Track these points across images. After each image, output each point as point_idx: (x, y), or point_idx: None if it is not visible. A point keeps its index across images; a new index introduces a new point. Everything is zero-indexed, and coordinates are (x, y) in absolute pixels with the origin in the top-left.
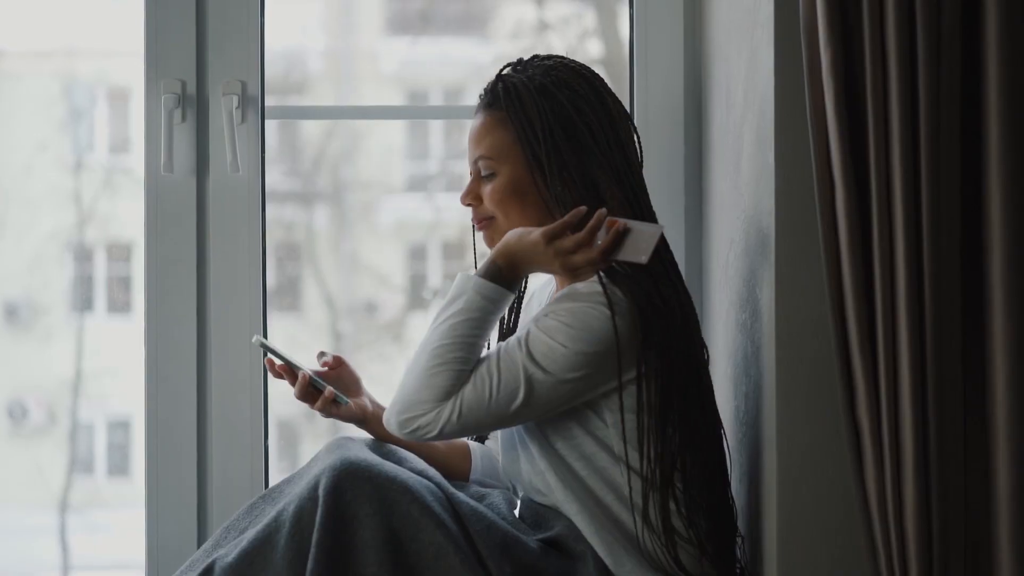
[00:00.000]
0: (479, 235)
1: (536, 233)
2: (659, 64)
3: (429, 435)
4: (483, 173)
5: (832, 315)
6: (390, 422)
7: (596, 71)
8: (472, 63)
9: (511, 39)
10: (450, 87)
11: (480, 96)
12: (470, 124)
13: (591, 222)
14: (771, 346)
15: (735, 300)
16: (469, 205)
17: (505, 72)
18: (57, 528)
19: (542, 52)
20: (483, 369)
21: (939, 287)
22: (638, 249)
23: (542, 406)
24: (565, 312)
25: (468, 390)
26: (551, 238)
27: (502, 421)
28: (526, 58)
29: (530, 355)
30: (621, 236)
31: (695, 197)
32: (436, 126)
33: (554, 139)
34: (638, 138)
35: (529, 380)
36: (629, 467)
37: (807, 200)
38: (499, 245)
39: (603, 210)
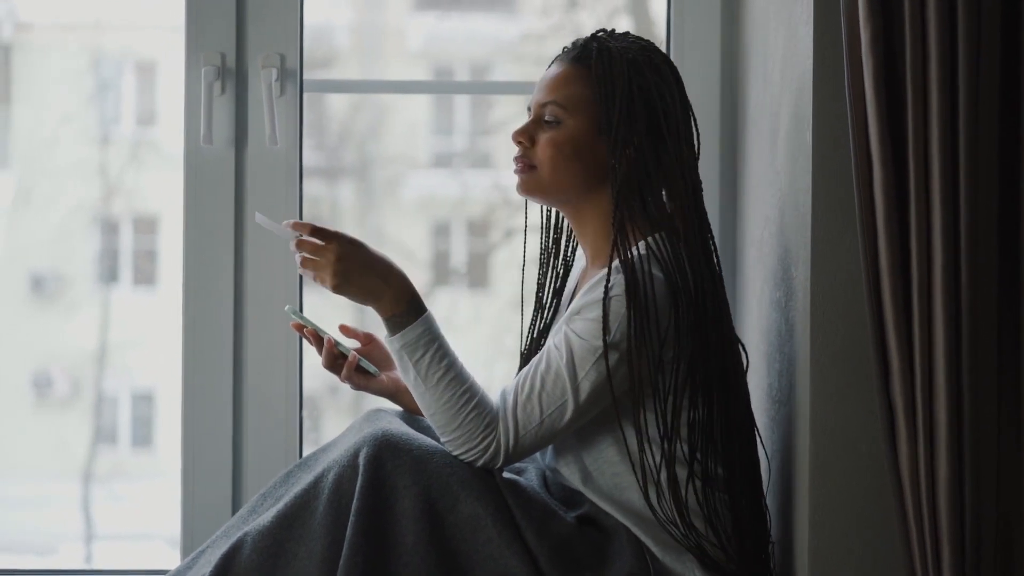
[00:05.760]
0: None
1: (328, 283)
2: (696, 41)
3: (497, 464)
4: (547, 118)
5: (868, 293)
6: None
7: None
8: (499, 40)
9: (540, 16)
10: (476, 64)
11: (565, 48)
12: (546, 71)
13: (303, 239)
14: (806, 324)
15: (769, 278)
16: (520, 143)
17: (600, 34)
18: (80, 498)
19: (570, 28)
20: (527, 387)
21: (975, 266)
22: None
23: (593, 408)
24: (594, 306)
25: (520, 411)
26: (341, 281)
27: (557, 433)
28: (619, 31)
29: (571, 362)
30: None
31: (730, 175)
32: (462, 103)
33: (632, 112)
34: (697, 135)
35: (576, 390)
36: (649, 443)
37: (845, 179)
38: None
39: (290, 223)
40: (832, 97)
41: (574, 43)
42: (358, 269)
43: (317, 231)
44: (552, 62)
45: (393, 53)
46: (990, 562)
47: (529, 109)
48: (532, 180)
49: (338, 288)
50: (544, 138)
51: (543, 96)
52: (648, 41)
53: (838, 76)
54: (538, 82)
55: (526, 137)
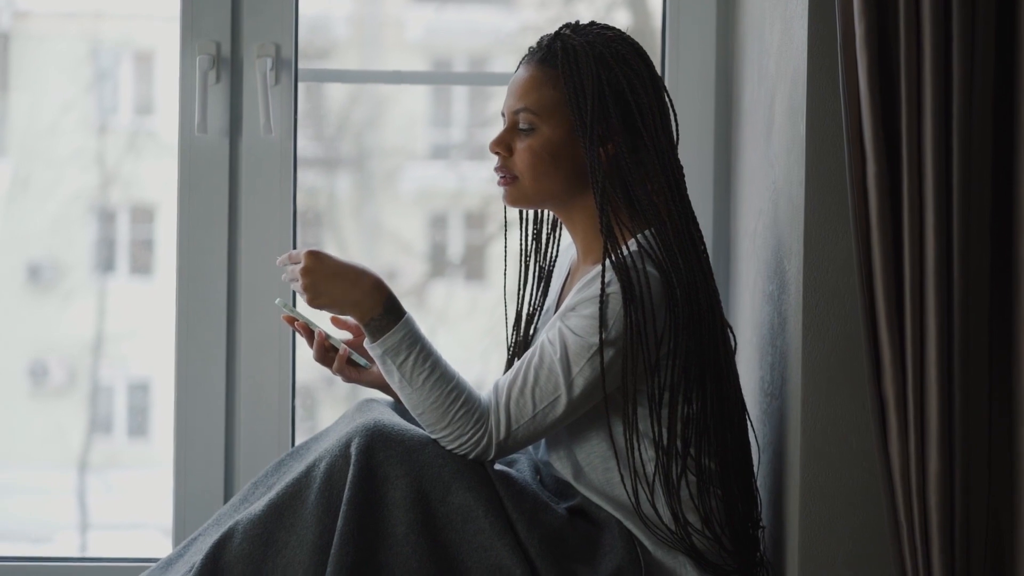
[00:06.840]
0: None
1: (305, 299)
2: (691, 34)
3: (489, 457)
4: (521, 126)
5: (860, 287)
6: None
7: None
8: (498, 31)
9: (538, 8)
10: (475, 55)
11: (531, 49)
12: (515, 74)
13: (291, 266)
14: (798, 317)
15: (762, 271)
16: (497, 153)
17: (564, 32)
18: (76, 488)
19: (570, 21)
20: (520, 381)
21: (968, 260)
22: None
23: (586, 404)
24: (589, 303)
25: (512, 405)
26: (312, 295)
27: (548, 428)
28: (584, 23)
29: (565, 358)
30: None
31: (724, 167)
32: (460, 94)
33: (604, 110)
34: (676, 122)
35: (570, 386)
36: (640, 440)
37: (838, 172)
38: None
39: (283, 257)
40: (826, 91)
41: (539, 43)
42: (325, 279)
43: (291, 257)
44: (519, 63)
45: (392, 44)
46: (979, 556)
47: (503, 115)
48: (517, 191)
49: (311, 301)
50: (521, 147)
51: (515, 103)
52: (615, 30)
53: (832, 70)
54: (508, 86)
55: (503, 147)
